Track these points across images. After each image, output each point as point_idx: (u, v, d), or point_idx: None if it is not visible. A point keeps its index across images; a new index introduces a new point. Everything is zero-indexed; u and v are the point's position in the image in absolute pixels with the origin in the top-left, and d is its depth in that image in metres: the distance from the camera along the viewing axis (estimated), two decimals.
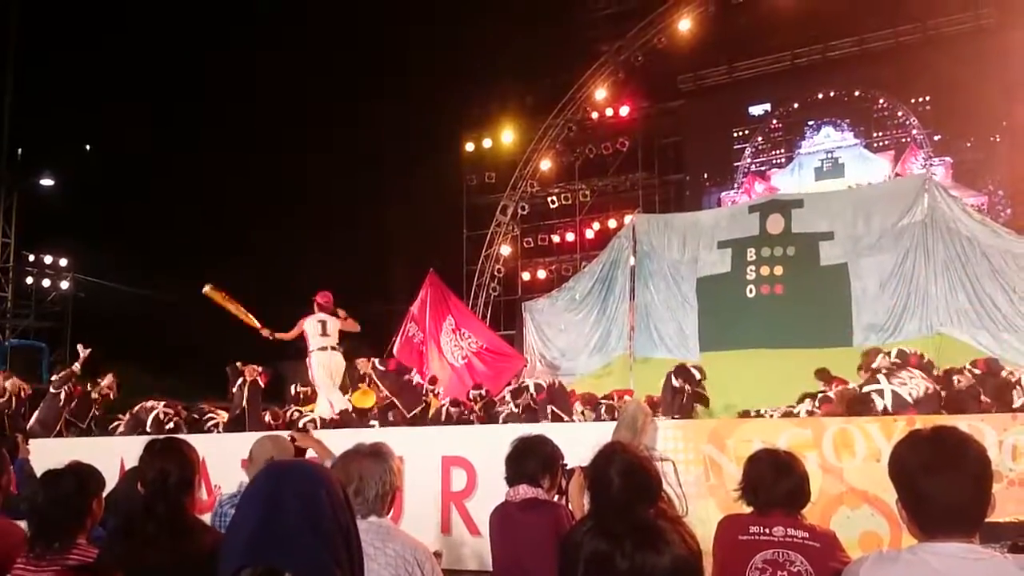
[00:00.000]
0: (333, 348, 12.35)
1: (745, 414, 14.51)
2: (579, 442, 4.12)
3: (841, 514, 6.48)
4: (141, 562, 2.80)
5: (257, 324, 12.17)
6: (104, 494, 3.67)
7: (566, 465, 4.33)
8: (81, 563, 3.25)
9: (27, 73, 24.48)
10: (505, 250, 26.66)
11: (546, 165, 26.04)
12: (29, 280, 24.89)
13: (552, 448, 4.25)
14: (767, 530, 3.29)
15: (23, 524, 3.79)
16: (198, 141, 26.41)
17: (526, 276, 26.66)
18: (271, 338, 12.36)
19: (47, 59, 25.48)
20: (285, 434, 4.73)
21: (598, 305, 21.35)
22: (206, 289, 12.04)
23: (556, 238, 26.36)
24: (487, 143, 26.79)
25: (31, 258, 24.98)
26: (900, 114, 21.68)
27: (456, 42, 25.40)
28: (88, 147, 26.53)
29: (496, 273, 26.65)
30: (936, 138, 21.20)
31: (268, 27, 27.76)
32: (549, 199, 26.21)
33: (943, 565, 2.06)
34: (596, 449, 2.73)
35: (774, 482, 3.40)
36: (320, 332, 12.26)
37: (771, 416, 13.47)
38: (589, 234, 25.84)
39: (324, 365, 12.26)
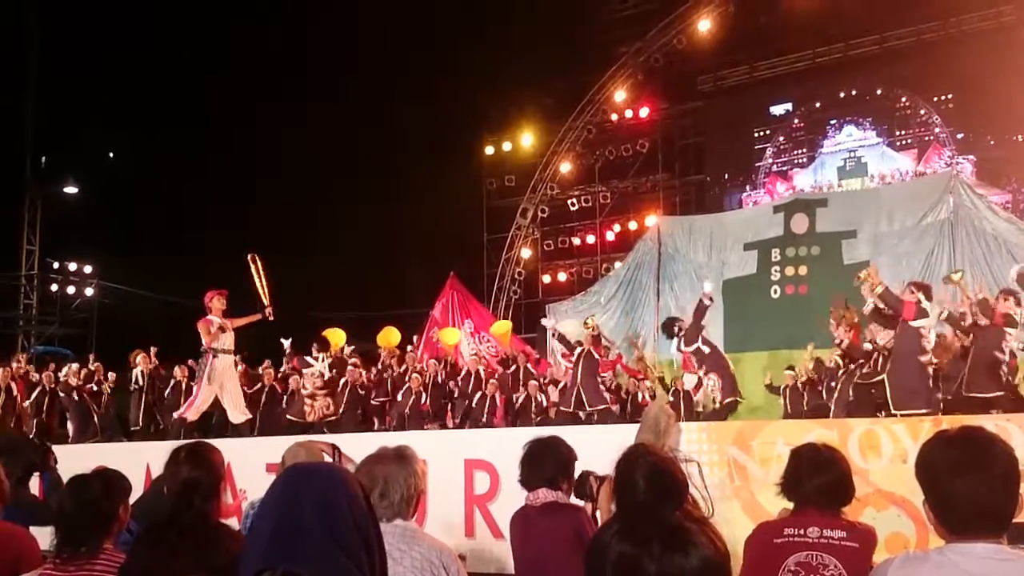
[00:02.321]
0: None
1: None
2: (602, 444, 4.11)
3: (867, 516, 6.42)
4: (167, 570, 2.81)
5: (267, 303, 12.00)
6: (131, 500, 3.69)
7: (592, 473, 4.31)
8: (109, 569, 3.26)
9: (50, 82, 24.71)
10: (526, 253, 26.68)
11: (566, 167, 26.04)
12: (54, 287, 25.10)
13: (567, 449, 4.23)
14: (801, 531, 3.24)
15: (41, 532, 3.83)
16: (222, 146, 26.54)
17: (547, 279, 26.67)
18: (266, 317, 12.10)
19: (70, 68, 25.68)
20: (317, 438, 4.73)
21: (622, 307, 21.36)
22: (250, 257, 12.11)
23: (577, 240, 26.36)
24: (507, 146, 26.83)
25: (56, 265, 25.18)
26: (923, 112, 21.54)
27: (475, 45, 25.40)
28: (111, 155, 26.71)
29: (517, 276, 26.68)
30: (959, 136, 21.05)
31: (285, 31, 27.89)
32: (569, 201, 26.21)
33: (971, 566, 2.05)
34: (620, 451, 2.73)
35: (810, 477, 3.34)
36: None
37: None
38: (610, 236, 25.82)
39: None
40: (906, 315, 9.47)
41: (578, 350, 13.57)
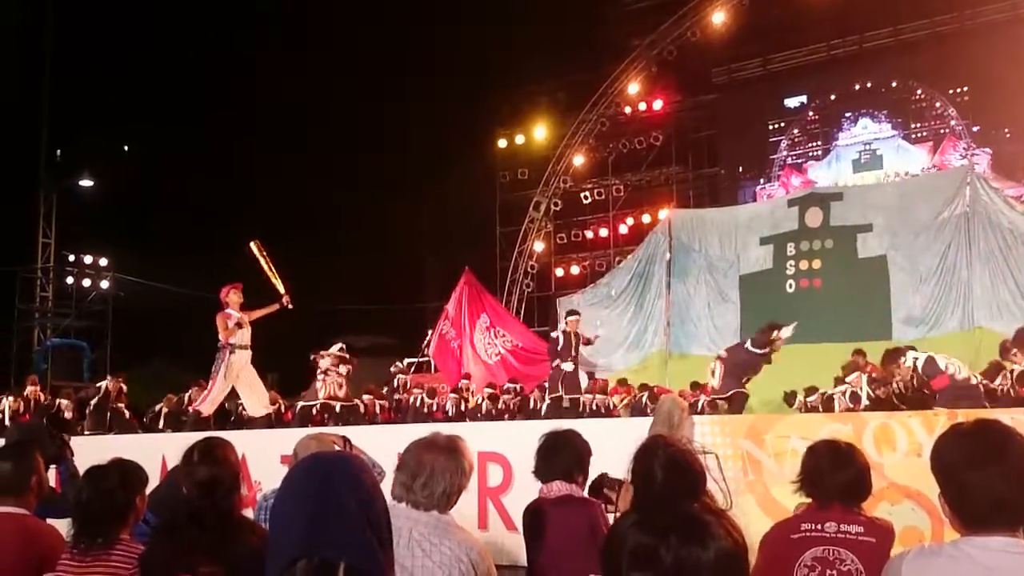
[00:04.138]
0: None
1: (791, 396, 14.53)
2: (617, 438, 4.11)
3: (882, 510, 6.39)
4: (186, 561, 2.83)
5: (282, 291, 11.89)
6: (147, 491, 3.72)
7: (607, 476, 4.31)
8: (126, 559, 3.29)
9: (65, 76, 24.80)
10: (538, 246, 26.65)
11: (579, 160, 25.99)
12: (69, 280, 25.21)
13: (583, 442, 4.23)
14: (819, 526, 3.23)
15: (60, 523, 3.86)
16: (234, 142, 26.62)
17: (560, 272, 26.65)
18: (285, 306, 11.95)
19: (85, 62, 25.79)
20: (328, 430, 4.73)
21: (634, 301, 21.31)
22: (252, 244, 12.00)
23: (589, 234, 26.33)
24: (520, 139, 26.80)
25: (71, 258, 25.30)
26: (938, 105, 21.43)
27: (488, 38, 25.40)
28: (126, 148, 26.80)
29: (529, 269, 26.66)
30: (975, 129, 20.94)
31: (297, 28, 27.95)
32: (582, 195, 26.17)
33: (986, 559, 2.05)
34: (635, 444, 2.72)
35: (833, 472, 3.33)
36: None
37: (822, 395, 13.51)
38: (623, 229, 25.78)
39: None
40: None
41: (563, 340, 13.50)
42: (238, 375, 11.60)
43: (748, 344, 12.29)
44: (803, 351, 16.20)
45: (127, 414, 15.51)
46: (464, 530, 3.07)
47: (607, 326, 19.65)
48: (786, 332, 12.14)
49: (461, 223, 26.93)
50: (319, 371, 13.48)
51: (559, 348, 13.15)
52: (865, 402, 11.94)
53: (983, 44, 19.68)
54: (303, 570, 1.50)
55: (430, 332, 19.39)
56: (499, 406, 15.89)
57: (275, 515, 1.63)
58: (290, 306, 11.98)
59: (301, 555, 1.50)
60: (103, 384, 15.50)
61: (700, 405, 13.10)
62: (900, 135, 21.91)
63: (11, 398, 14.94)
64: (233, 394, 12.02)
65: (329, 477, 1.61)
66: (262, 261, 12.05)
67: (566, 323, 13.42)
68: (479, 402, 16.28)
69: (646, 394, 15.18)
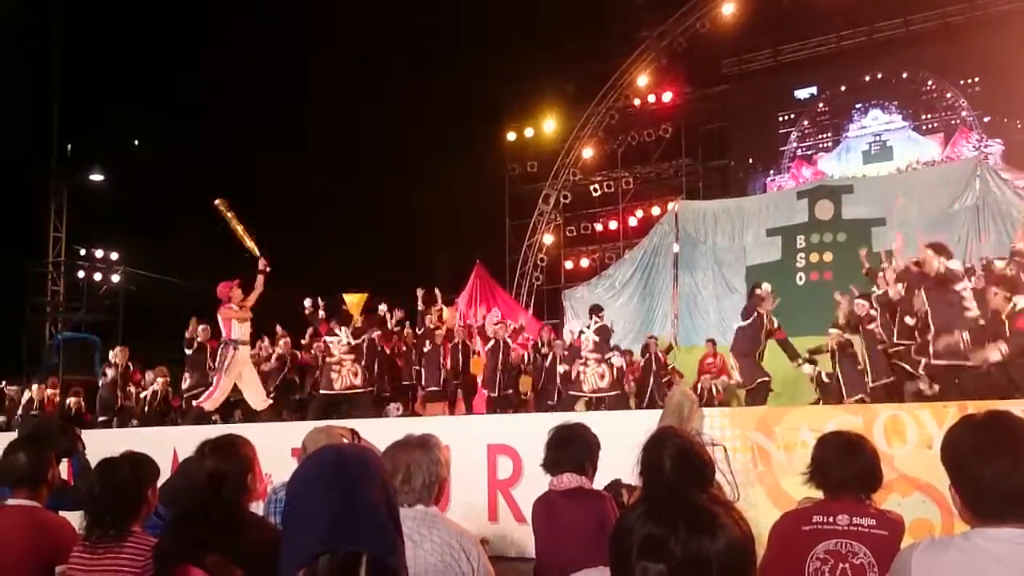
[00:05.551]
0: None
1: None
2: (626, 431, 4.11)
3: (892, 502, 6.40)
4: (198, 557, 2.85)
5: (258, 253, 11.67)
6: (159, 484, 3.73)
7: (620, 481, 4.32)
8: (138, 551, 3.31)
9: (76, 70, 24.86)
10: (548, 239, 26.66)
11: (588, 153, 25.97)
12: (81, 274, 25.30)
13: (593, 436, 4.27)
14: (831, 518, 3.20)
15: (72, 515, 3.89)
16: (248, 137, 26.64)
17: (569, 265, 26.64)
18: (264, 270, 11.67)
19: (96, 56, 25.82)
20: (336, 423, 4.74)
21: (639, 292, 21.33)
22: (217, 202, 11.64)
23: (599, 226, 26.31)
24: (529, 132, 26.77)
25: (82, 252, 25.38)
26: (949, 96, 21.33)
27: (496, 31, 25.35)
28: (137, 143, 26.87)
29: (539, 262, 26.66)
30: (986, 120, 20.83)
31: (304, 26, 27.93)
32: (592, 187, 26.13)
33: (996, 550, 2.04)
34: (644, 437, 2.73)
35: (843, 463, 3.31)
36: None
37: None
38: (632, 222, 25.75)
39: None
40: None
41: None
42: (240, 372, 11.75)
43: (740, 323, 12.36)
44: (813, 343, 16.16)
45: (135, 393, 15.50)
46: (453, 522, 3.13)
47: (612, 317, 19.68)
48: (766, 286, 12.29)
49: (470, 216, 26.92)
50: (331, 359, 13.35)
51: (606, 341, 13.32)
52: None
53: (994, 35, 19.56)
54: (326, 564, 1.48)
55: None
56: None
57: (293, 509, 1.60)
58: (268, 269, 11.72)
59: (327, 548, 1.48)
60: (109, 372, 15.56)
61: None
62: (911, 126, 21.82)
63: (35, 387, 15.13)
64: (235, 390, 12.15)
65: (351, 469, 1.59)
66: (232, 222, 11.68)
67: (603, 318, 13.62)
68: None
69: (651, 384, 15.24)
